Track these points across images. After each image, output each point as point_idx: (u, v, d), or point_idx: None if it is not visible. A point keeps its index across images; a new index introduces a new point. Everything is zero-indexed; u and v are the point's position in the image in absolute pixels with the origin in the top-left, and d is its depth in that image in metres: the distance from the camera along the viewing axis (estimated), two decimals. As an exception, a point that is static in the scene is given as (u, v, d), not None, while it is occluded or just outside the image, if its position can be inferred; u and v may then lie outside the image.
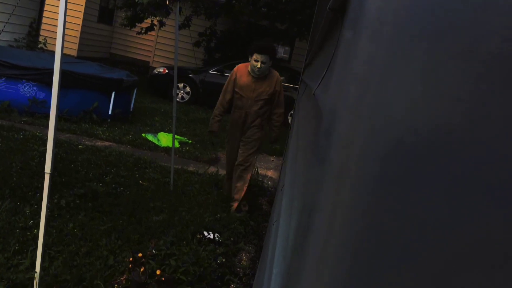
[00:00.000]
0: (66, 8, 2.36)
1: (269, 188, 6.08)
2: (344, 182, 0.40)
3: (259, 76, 4.71)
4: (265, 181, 6.32)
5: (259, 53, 4.55)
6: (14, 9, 7.92)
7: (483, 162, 0.30)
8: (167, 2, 8.09)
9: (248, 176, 4.85)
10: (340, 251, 0.39)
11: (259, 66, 4.57)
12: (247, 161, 4.82)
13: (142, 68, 15.88)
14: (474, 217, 0.29)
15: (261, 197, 5.70)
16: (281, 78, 4.92)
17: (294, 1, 8.99)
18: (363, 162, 0.38)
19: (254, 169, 5.25)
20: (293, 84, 11.38)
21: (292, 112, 10.24)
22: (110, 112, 7.83)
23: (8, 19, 7.64)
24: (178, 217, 4.37)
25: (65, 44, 9.78)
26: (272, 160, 7.89)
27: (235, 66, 13.52)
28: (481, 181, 0.30)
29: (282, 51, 16.01)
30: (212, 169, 6.32)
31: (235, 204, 4.84)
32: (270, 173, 6.95)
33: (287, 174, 1.38)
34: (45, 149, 5.29)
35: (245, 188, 4.82)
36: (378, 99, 0.40)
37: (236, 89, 4.79)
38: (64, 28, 2.36)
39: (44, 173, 2.42)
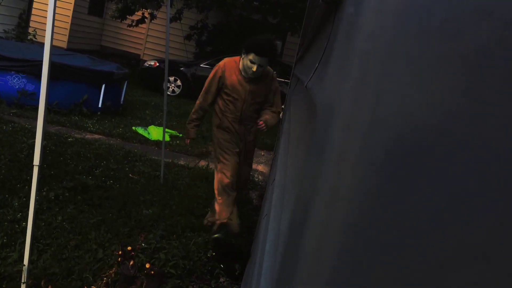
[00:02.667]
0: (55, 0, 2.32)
1: (260, 183, 6.08)
2: (343, 174, 0.40)
3: (256, 78, 3.90)
4: (256, 176, 6.32)
5: (258, 55, 3.71)
6: (2, 0, 7.82)
7: (480, 161, 0.29)
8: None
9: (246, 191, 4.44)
10: (336, 244, 0.38)
11: (254, 69, 3.71)
12: (248, 180, 4.35)
13: (133, 60, 15.78)
14: (470, 214, 0.29)
15: (252, 191, 5.70)
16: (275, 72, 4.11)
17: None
18: (362, 154, 0.37)
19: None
20: (285, 79, 11.38)
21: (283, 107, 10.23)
22: (100, 105, 7.77)
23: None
24: (168, 211, 4.36)
25: (55, 36, 9.72)
26: (263, 154, 7.88)
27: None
28: (476, 179, 0.29)
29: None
30: (202, 163, 6.30)
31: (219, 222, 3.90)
32: (260, 167, 6.95)
33: (278, 167, 1.38)
34: (34, 142, 5.25)
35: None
36: (376, 92, 0.39)
37: (226, 90, 3.88)
38: (54, 19, 2.33)
39: (32, 166, 2.40)
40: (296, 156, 0.84)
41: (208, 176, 5.68)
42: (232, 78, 3.87)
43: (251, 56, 3.73)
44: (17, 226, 3.45)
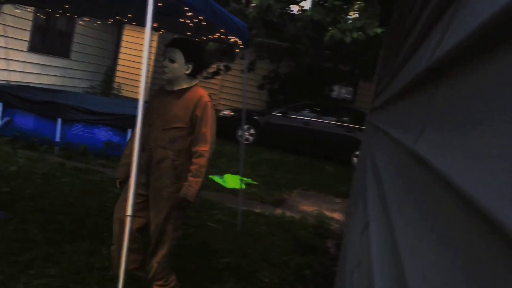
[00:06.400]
0: (148, 58, 2.52)
1: (336, 231, 5.97)
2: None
3: (172, 90, 3.18)
4: (332, 224, 6.22)
5: (167, 46, 3.15)
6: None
7: None
8: (237, 50, 8.37)
9: (161, 252, 3.27)
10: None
11: (164, 64, 3.11)
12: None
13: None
14: None
15: (328, 240, 5.61)
16: (208, 100, 3.13)
17: (357, 43, 9.05)
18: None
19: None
20: (358, 125, 11.29)
21: (357, 153, 10.12)
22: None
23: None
24: (245, 259, 4.38)
25: (136, 90, 10.29)
26: (338, 202, 7.78)
27: (299, 107, 13.47)
28: None
29: (345, 92, 16.00)
30: (278, 211, 6.32)
31: None
32: (336, 215, 6.84)
33: (372, 216, 1.37)
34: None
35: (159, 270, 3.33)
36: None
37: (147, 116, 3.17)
38: (146, 76, 2.51)
39: (126, 216, 2.54)
40: (402, 205, 0.84)
41: (284, 224, 5.68)
42: (154, 99, 3.36)
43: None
44: (105, 274, 3.60)
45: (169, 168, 3.14)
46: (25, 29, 9.79)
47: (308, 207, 6.99)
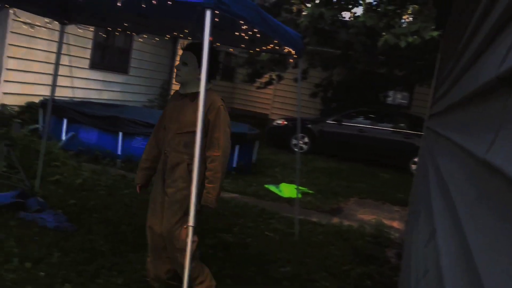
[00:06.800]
0: (207, 73, 2.59)
1: (396, 240, 5.84)
2: None
3: (185, 93, 3.20)
4: (391, 233, 6.09)
5: (182, 49, 3.22)
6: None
7: None
8: (291, 60, 8.41)
9: (185, 259, 2.78)
10: None
11: (177, 67, 3.18)
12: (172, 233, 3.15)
13: (261, 120, 16.49)
14: None
15: (388, 249, 5.49)
16: (221, 104, 3.10)
17: (413, 47, 8.86)
18: None
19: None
20: (414, 131, 11.02)
21: (415, 159, 9.86)
22: (234, 165, 8.18)
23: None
24: (304, 269, 4.37)
25: (193, 102, 10.38)
26: (397, 210, 7.60)
27: (354, 115, 13.34)
28: None
29: (400, 97, 15.68)
30: (335, 220, 6.26)
31: None
32: (395, 224, 6.69)
33: (439, 225, 1.35)
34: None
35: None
36: None
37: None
38: (205, 89, 2.59)
39: (187, 226, 2.60)
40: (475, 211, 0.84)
41: (341, 233, 5.61)
42: (171, 103, 3.41)
43: None
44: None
45: (185, 171, 3.09)
46: (86, 48, 10.27)
47: (366, 216, 6.88)
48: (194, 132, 2.90)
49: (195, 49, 3.08)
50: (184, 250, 2.91)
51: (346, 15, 12.37)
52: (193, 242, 2.99)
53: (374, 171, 10.99)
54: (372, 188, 8.95)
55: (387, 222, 6.57)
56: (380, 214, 7.01)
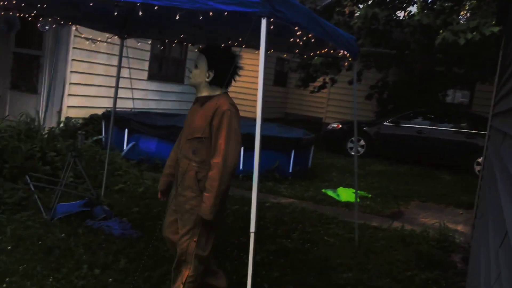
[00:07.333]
0: (264, 78, 2.62)
1: (461, 244, 5.62)
2: None
3: (197, 97, 3.10)
4: (456, 237, 5.87)
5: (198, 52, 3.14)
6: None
7: None
8: (345, 64, 8.34)
9: (186, 272, 2.98)
10: None
11: (189, 69, 3.07)
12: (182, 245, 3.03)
13: (315, 124, 16.40)
14: None
15: (453, 254, 5.29)
16: (227, 109, 2.90)
17: (472, 44, 8.53)
18: None
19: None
20: (478, 130, 10.58)
21: (479, 160, 9.47)
22: (291, 170, 8.17)
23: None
24: (367, 275, 4.29)
25: (247, 108, 10.61)
26: (461, 213, 7.33)
27: (411, 116, 13.04)
28: None
29: (460, 96, 15.14)
30: (396, 224, 6.11)
31: None
32: (460, 227, 6.45)
33: (509, 227, 1.30)
34: (237, 208, 5.68)
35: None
36: None
37: None
38: (263, 96, 2.61)
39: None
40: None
41: (404, 238, 5.47)
42: (192, 108, 3.24)
43: None
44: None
45: (193, 180, 2.96)
46: (144, 60, 10.60)
47: (428, 220, 6.68)
48: (199, 138, 2.88)
49: (206, 51, 3.02)
50: (189, 262, 2.94)
51: (401, 14, 12.12)
52: (201, 259, 2.96)
53: (434, 173, 10.65)
54: (434, 191, 8.68)
55: (451, 225, 6.34)
56: (444, 217, 6.77)
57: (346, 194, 7.38)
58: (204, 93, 3.03)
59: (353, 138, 11.26)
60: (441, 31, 9.06)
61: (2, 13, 4.39)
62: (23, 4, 4.08)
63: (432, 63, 11.71)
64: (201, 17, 2.94)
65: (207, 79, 2.98)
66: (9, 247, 3.96)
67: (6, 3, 4.03)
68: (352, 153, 10.89)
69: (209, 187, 2.82)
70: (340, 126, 12.37)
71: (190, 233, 2.96)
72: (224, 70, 2.96)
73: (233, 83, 3.13)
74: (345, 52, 4.49)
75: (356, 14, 11.27)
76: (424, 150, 11.38)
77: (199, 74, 3.01)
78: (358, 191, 7.71)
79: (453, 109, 13.65)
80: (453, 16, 9.61)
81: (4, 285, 3.36)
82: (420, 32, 9.94)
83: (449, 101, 15.18)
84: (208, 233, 3.00)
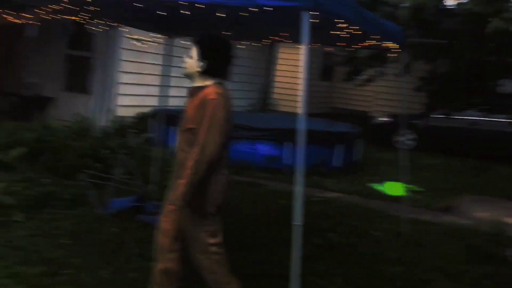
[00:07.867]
0: (307, 73, 2.63)
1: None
2: None
3: (192, 87, 3.02)
4: (509, 230, 5.66)
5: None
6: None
7: None
8: (393, 55, 8.19)
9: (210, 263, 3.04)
10: None
11: (184, 59, 3.02)
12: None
13: (361, 118, 16.17)
14: None
15: (508, 248, 5.11)
16: (212, 98, 2.79)
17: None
18: None
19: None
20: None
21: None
22: (337, 164, 8.12)
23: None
24: (418, 269, 4.23)
25: (292, 103, 10.67)
26: (516, 207, 7.06)
27: (463, 107, 12.60)
28: None
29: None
30: (447, 218, 5.97)
31: None
32: (512, 220, 6.22)
33: None
34: (284, 202, 5.71)
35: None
36: None
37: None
38: (307, 91, 2.63)
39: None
40: None
41: (455, 232, 5.34)
42: None
43: None
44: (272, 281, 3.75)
45: None
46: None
47: (482, 213, 6.46)
48: (191, 129, 2.81)
49: (200, 42, 2.95)
50: (206, 252, 2.94)
51: (450, 2, 11.73)
52: (214, 245, 2.94)
53: (488, 166, 10.26)
54: (487, 184, 8.39)
55: (507, 219, 6.12)
56: (499, 211, 6.54)
57: (394, 188, 7.25)
58: (197, 83, 2.97)
59: (402, 131, 11.05)
60: (490, 19, 8.73)
61: (59, 17, 4.59)
62: (78, 9, 4.25)
63: (483, 52, 11.28)
64: (244, 14, 2.98)
65: (197, 69, 2.91)
66: (65, 241, 4.16)
67: (62, 7, 4.21)
68: (402, 146, 10.68)
69: (183, 174, 2.77)
70: (388, 119, 12.15)
71: (195, 224, 2.98)
72: (217, 60, 2.93)
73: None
74: (392, 44, 4.42)
75: (402, 5, 11.00)
76: (478, 142, 10.99)
77: (191, 64, 2.94)
78: (407, 185, 7.58)
79: (507, 99, 13.11)
80: (506, 3, 9.24)
81: (60, 277, 3.54)
82: (471, 21, 9.61)
83: (502, 91, 14.56)
84: (210, 221, 2.99)
